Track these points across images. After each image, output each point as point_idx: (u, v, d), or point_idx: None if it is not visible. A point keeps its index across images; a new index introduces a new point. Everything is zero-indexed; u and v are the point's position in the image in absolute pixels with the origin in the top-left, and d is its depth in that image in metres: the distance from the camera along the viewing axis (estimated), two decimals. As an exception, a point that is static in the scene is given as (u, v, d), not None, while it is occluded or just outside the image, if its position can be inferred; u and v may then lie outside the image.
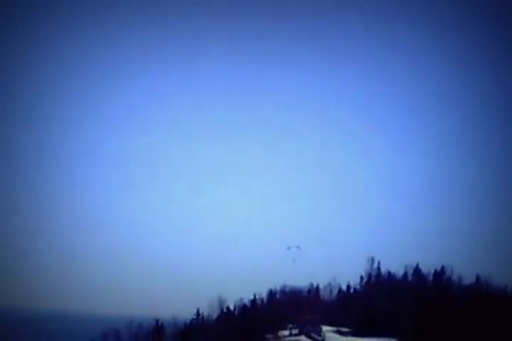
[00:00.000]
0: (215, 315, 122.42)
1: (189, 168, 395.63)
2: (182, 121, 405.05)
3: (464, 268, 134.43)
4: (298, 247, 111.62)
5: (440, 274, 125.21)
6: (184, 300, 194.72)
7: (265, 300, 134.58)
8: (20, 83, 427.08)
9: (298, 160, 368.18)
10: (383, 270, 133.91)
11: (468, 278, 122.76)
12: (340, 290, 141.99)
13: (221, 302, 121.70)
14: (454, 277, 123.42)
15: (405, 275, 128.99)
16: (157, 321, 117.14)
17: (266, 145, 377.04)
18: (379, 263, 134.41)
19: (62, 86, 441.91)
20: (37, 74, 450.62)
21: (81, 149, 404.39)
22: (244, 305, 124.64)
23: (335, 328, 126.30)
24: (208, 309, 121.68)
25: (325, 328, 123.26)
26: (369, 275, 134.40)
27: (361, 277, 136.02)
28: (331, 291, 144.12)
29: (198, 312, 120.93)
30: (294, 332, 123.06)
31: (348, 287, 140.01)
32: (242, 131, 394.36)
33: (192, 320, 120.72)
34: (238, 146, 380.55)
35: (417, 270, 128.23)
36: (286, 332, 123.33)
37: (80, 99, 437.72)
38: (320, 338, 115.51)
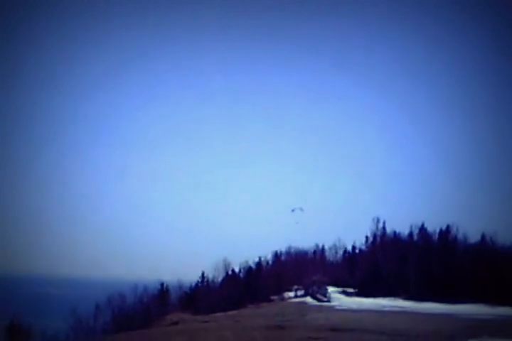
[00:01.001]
0: (220, 278, 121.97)
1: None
2: (183, 114, 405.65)
3: (470, 227, 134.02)
4: (301, 209, 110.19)
5: (446, 233, 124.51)
6: (189, 263, 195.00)
7: (270, 262, 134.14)
8: (19, 82, 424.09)
9: (302, 123, 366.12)
10: (388, 230, 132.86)
11: (474, 237, 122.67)
12: (345, 250, 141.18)
13: (226, 264, 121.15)
14: (460, 235, 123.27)
15: (411, 234, 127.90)
16: (162, 284, 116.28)
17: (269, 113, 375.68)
18: (384, 222, 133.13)
19: (61, 85, 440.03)
20: (36, 72, 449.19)
21: (81, 145, 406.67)
22: (250, 267, 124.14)
23: (340, 289, 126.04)
24: (213, 272, 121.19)
25: (330, 289, 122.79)
26: (374, 236, 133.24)
27: (366, 237, 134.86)
28: (336, 252, 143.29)
29: (203, 275, 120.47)
30: (299, 293, 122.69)
31: (354, 247, 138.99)
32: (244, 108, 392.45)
33: (197, 282, 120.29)
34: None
35: (422, 229, 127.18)
36: (291, 294, 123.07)
37: (79, 97, 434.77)
38: (325, 299, 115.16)
